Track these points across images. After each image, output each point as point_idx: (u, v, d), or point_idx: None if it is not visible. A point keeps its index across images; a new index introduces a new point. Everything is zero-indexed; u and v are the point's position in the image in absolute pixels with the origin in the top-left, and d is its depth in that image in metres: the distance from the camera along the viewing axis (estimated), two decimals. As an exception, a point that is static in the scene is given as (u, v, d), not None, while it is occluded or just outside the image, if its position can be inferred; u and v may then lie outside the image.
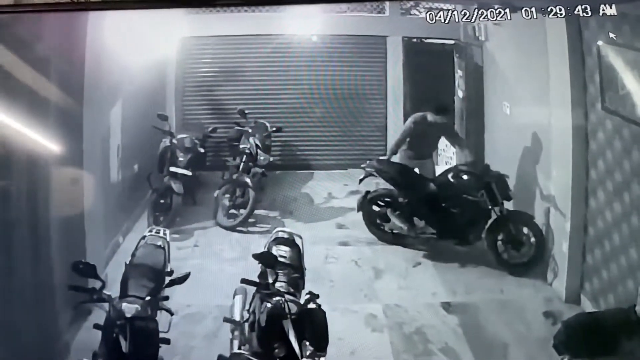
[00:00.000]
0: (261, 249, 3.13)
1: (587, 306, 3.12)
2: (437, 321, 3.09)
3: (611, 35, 3.01)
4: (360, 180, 3.69)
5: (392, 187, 3.63)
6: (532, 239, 3.39)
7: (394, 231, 3.60)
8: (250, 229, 3.83)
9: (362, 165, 3.76)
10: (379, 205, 3.65)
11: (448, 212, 3.48)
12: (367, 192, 3.66)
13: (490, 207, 3.39)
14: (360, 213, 3.67)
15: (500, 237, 3.41)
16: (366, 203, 3.66)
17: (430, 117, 3.69)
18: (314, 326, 2.72)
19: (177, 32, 3.94)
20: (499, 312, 3.12)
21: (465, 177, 3.51)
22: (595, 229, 3.12)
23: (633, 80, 2.94)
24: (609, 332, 2.57)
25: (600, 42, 3.05)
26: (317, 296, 2.82)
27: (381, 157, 3.76)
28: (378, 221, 3.65)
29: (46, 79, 3.09)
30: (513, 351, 2.89)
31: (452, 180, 3.53)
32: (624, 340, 2.53)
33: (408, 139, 3.76)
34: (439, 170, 3.80)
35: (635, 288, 2.75)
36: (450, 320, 3.10)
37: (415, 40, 4.31)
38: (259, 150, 3.95)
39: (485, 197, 3.39)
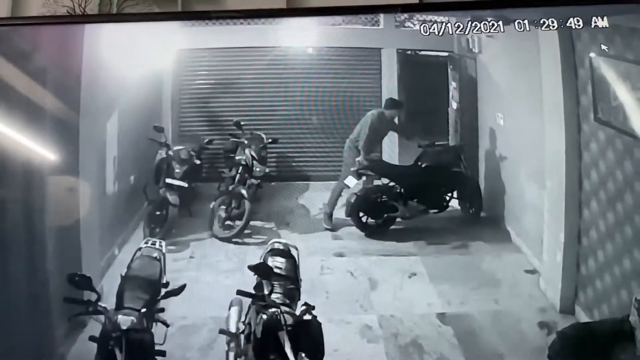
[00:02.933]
0: (257, 260, 3.13)
1: (582, 316, 3.12)
2: (433, 332, 3.09)
3: (603, 47, 3.03)
4: (360, 176, 3.97)
5: (376, 185, 3.99)
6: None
7: (386, 218, 3.94)
8: (246, 240, 3.83)
9: (352, 169, 3.96)
10: (378, 201, 3.96)
11: (434, 187, 4.02)
12: (355, 195, 3.94)
13: (466, 173, 4.05)
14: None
15: (467, 195, 4.06)
16: (359, 204, 3.92)
17: (386, 112, 4.01)
18: (309, 337, 2.72)
19: (173, 45, 3.95)
20: (493, 323, 3.13)
21: (442, 153, 4.08)
22: (589, 240, 3.13)
23: (625, 91, 2.95)
24: (603, 342, 2.57)
25: (592, 54, 3.06)
26: (313, 307, 2.82)
27: (358, 158, 4.00)
28: (381, 215, 3.94)
29: (43, 90, 3.10)
30: (508, 362, 2.90)
31: (433, 159, 4.05)
32: (618, 350, 2.54)
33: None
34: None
35: (628, 298, 2.75)
36: (446, 331, 3.10)
37: (409, 52, 4.35)
38: (254, 162, 3.96)
39: (462, 165, 4.03)
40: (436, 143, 4.23)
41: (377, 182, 4.05)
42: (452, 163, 4.05)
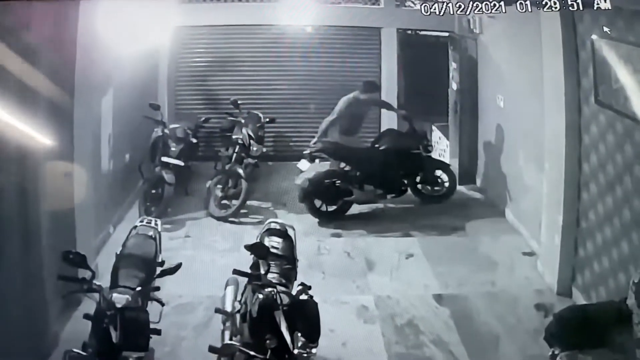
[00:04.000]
0: (253, 240, 3.10)
1: (579, 299, 3.12)
2: (429, 313, 3.09)
3: (605, 29, 2.99)
4: (313, 159, 3.93)
5: (330, 169, 3.94)
6: (446, 181, 4.12)
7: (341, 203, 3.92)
8: (243, 219, 3.82)
9: (305, 152, 3.93)
10: (332, 186, 3.90)
11: (392, 170, 3.98)
12: (308, 180, 3.88)
13: (426, 155, 4.08)
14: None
15: (419, 179, 4.09)
16: (312, 190, 3.86)
17: (362, 96, 3.95)
18: (305, 317, 2.70)
19: (170, 22, 3.91)
20: (490, 305, 3.13)
21: (403, 137, 4.08)
22: (587, 222, 3.11)
23: (626, 74, 2.91)
24: (600, 324, 2.56)
25: (594, 36, 3.03)
26: (309, 287, 2.80)
27: (314, 140, 3.95)
28: (336, 200, 3.91)
29: (37, 68, 3.05)
30: (504, 343, 2.89)
31: (392, 143, 4.02)
32: (614, 332, 2.53)
33: (340, 120, 4.00)
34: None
35: (626, 281, 2.74)
36: (442, 312, 3.10)
37: (409, 32, 4.32)
38: (251, 141, 3.93)
39: (422, 149, 4.02)
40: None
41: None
42: (413, 145, 3.99)
